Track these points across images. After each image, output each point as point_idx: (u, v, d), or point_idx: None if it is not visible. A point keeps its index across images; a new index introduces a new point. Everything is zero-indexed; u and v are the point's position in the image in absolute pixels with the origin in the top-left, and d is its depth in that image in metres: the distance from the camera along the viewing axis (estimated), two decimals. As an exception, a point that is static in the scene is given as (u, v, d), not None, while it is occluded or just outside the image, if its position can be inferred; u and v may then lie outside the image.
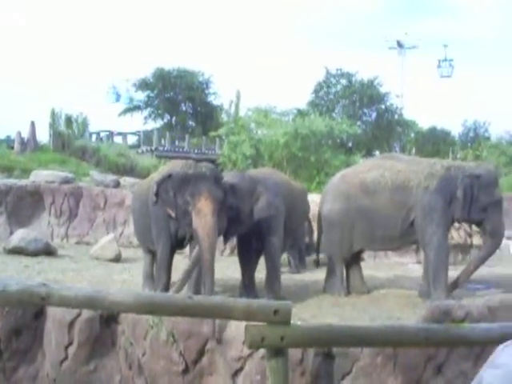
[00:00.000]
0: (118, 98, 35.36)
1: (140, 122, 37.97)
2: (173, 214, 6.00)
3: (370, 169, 7.07)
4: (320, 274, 7.67)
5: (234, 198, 6.16)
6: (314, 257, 9.79)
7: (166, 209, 6.05)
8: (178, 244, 6.40)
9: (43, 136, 22.39)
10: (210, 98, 38.77)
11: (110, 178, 13.85)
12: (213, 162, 21.94)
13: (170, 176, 6.08)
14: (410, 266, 9.77)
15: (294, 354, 4.26)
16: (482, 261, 6.95)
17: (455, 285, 6.72)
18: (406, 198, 6.66)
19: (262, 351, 4.11)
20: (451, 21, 78.30)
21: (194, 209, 5.76)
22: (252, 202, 6.31)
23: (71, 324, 5.31)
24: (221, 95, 38.53)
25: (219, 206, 5.86)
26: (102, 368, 5.30)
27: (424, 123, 40.40)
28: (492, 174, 6.85)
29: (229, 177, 6.47)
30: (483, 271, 7.29)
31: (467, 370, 4.11)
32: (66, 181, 12.86)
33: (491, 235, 6.87)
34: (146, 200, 6.44)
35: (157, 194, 6.06)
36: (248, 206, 6.28)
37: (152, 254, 7.05)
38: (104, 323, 5.31)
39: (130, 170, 19.35)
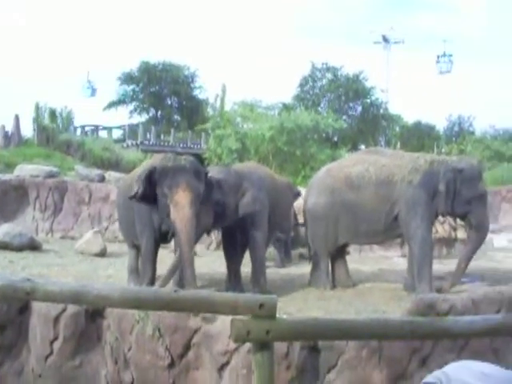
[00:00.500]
0: (93, 92, 35.00)
1: (125, 116, 37.80)
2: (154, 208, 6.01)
3: (354, 163, 7.09)
4: (305, 268, 7.69)
5: (219, 193, 6.16)
6: (299, 251, 9.87)
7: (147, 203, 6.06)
8: (162, 238, 6.38)
9: (27, 130, 22.22)
10: (196, 92, 38.65)
11: (95, 172, 13.78)
12: (198, 156, 21.96)
13: (150, 169, 6.09)
14: (394, 259, 9.82)
15: (280, 347, 4.27)
16: (471, 255, 6.95)
17: (453, 283, 6.68)
18: (389, 193, 6.69)
19: (248, 345, 4.12)
20: (436, 16, 78.52)
21: (171, 201, 5.76)
22: (237, 197, 6.32)
23: (56, 319, 5.29)
24: (206, 89, 38.43)
25: (198, 198, 5.84)
26: (87, 363, 5.29)
27: (409, 118, 40.60)
28: (475, 168, 6.86)
29: (215, 172, 6.46)
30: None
31: (451, 362, 4.14)
32: (51, 175, 12.79)
33: (476, 229, 6.89)
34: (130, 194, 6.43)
35: (137, 190, 6.06)
36: (233, 201, 6.29)
37: (137, 248, 7.06)
38: (89, 318, 5.29)
39: (115, 165, 19.24)
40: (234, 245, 6.70)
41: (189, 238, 5.72)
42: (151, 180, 5.96)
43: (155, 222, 6.16)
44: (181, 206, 5.71)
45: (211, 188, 6.10)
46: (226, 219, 6.31)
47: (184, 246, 5.72)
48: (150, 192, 5.96)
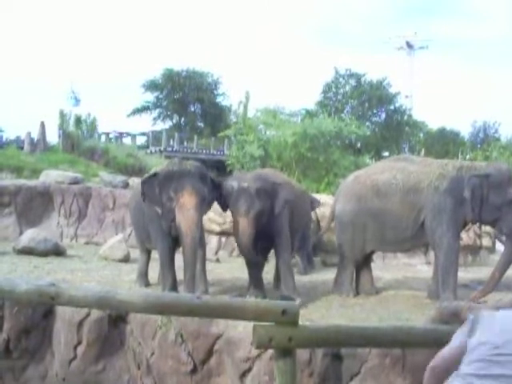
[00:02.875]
0: (76, 102, 35.09)
1: (149, 123, 38.08)
2: (159, 212, 6.05)
3: (382, 171, 7.01)
4: (328, 275, 7.66)
5: (261, 203, 6.13)
6: (322, 257, 9.84)
7: (154, 207, 6.11)
8: (175, 243, 6.35)
9: (53, 136, 22.45)
10: (219, 99, 38.81)
11: (119, 178, 13.88)
12: (221, 162, 22.00)
13: (155, 174, 6.16)
14: (418, 267, 9.74)
15: (302, 354, 4.25)
16: (506, 266, 6.62)
17: (484, 293, 6.47)
18: (416, 200, 6.59)
19: (270, 352, 4.11)
20: (460, 22, 77.95)
21: (177, 204, 5.80)
22: (272, 202, 6.31)
23: (80, 324, 5.34)
24: (230, 96, 38.60)
25: (203, 202, 5.91)
26: (110, 368, 5.33)
27: (433, 124, 40.30)
28: (503, 173, 6.59)
29: (251, 180, 6.39)
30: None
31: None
32: (76, 181, 12.92)
33: (509, 237, 6.60)
34: (141, 199, 6.50)
35: (143, 192, 6.16)
36: (270, 206, 6.28)
37: (148, 253, 7.31)
38: (113, 323, 5.33)
39: (138, 171, 19.30)
40: (256, 251, 6.69)
41: (193, 241, 5.76)
42: (156, 184, 6.03)
43: (164, 227, 6.19)
44: (186, 208, 5.76)
45: (251, 197, 6.09)
46: (262, 225, 6.31)
47: (188, 249, 5.77)
48: (155, 196, 6.04)
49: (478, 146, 37.58)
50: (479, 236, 10.26)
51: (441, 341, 3.54)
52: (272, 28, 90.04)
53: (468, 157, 30.49)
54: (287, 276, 6.48)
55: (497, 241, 9.88)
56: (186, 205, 5.76)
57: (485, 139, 40.04)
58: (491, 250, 10.49)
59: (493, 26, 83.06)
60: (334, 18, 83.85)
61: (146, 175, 6.42)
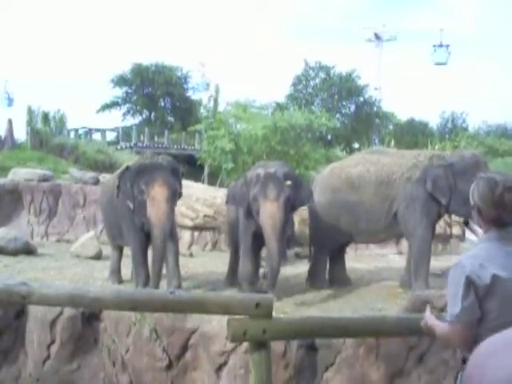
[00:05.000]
0: (10, 102, 34.47)
1: (118, 119, 37.76)
2: (131, 206, 6.01)
3: (356, 164, 7.06)
4: (301, 268, 7.69)
5: (288, 187, 6.06)
6: (295, 250, 9.85)
7: (126, 202, 6.08)
8: (148, 238, 6.24)
9: (21, 134, 22.16)
10: (189, 93, 38.64)
11: (89, 174, 13.75)
12: (192, 157, 21.92)
13: (127, 168, 6.16)
14: (390, 256, 9.83)
15: (277, 347, 4.28)
16: None
17: None
18: (389, 191, 6.64)
19: (245, 345, 4.13)
20: (427, 13, 78.71)
21: (148, 197, 5.80)
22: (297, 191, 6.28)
23: (53, 323, 5.29)
24: (199, 90, 38.40)
25: (174, 195, 5.93)
26: (85, 366, 5.29)
27: (402, 115, 40.64)
28: (467, 160, 6.55)
29: (277, 166, 6.34)
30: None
31: (448, 359, 4.16)
32: (45, 179, 12.76)
33: None
34: (112, 195, 6.45)
35: (118, 187, 6.13)
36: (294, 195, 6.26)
37: (120, 249, 7.21)
38: (86, 321, 5.29)
39: (109, 167, 19.11)
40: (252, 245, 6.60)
41: (163, 233, 5.76)
42: (128, 178, 6.02)
43: (137, 223, 6.15)
44: (157, 201, 5.77)
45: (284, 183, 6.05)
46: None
47: (157, 241, 5.76)
48: (127, 190, 6.03)
49: (447, 136, 38.01)
50: (449, 225, 10.39)
51: (413, 329, 3.60)
52: (240, 21, 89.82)
53: (437, 147, 30.83)
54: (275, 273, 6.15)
55: (466, 229, 10.01)
56: (156, 197, 5.76)
57: (453, 129, 40.51)
58: (461, 238, 10.64)
59: (460, 17, 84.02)
60: (303, 10, 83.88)
61: (120, 169, 6.39)
